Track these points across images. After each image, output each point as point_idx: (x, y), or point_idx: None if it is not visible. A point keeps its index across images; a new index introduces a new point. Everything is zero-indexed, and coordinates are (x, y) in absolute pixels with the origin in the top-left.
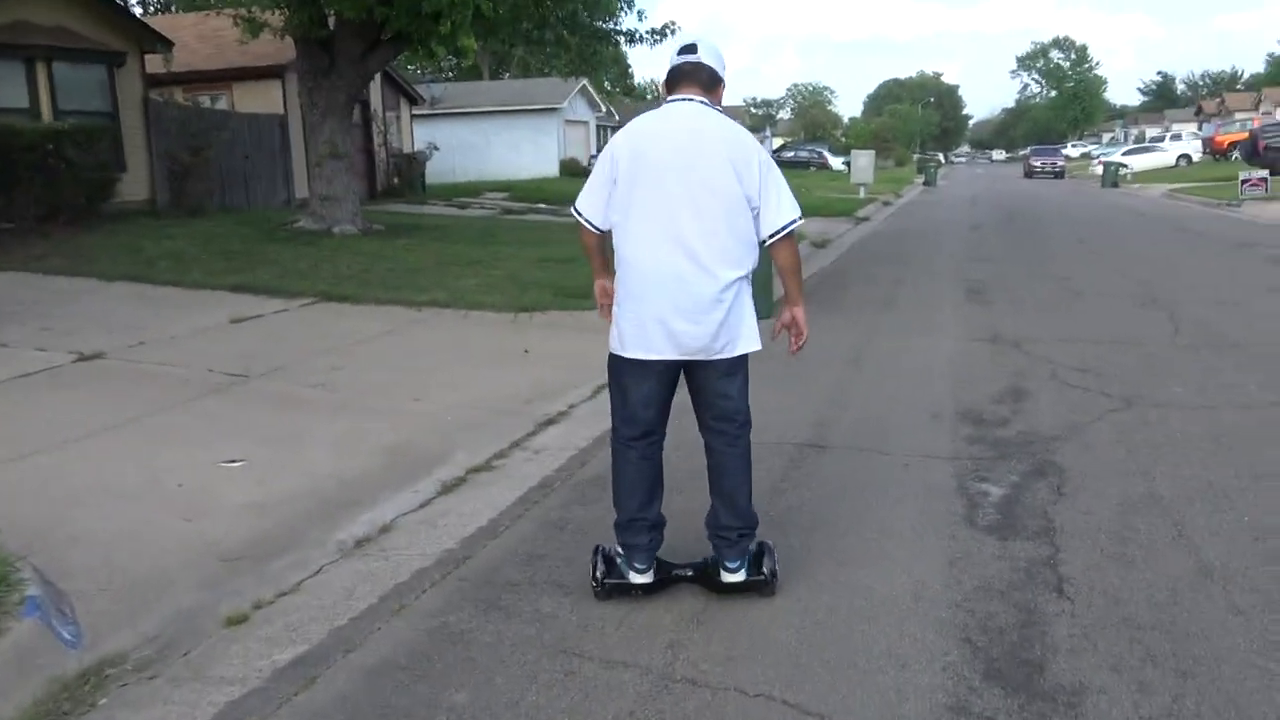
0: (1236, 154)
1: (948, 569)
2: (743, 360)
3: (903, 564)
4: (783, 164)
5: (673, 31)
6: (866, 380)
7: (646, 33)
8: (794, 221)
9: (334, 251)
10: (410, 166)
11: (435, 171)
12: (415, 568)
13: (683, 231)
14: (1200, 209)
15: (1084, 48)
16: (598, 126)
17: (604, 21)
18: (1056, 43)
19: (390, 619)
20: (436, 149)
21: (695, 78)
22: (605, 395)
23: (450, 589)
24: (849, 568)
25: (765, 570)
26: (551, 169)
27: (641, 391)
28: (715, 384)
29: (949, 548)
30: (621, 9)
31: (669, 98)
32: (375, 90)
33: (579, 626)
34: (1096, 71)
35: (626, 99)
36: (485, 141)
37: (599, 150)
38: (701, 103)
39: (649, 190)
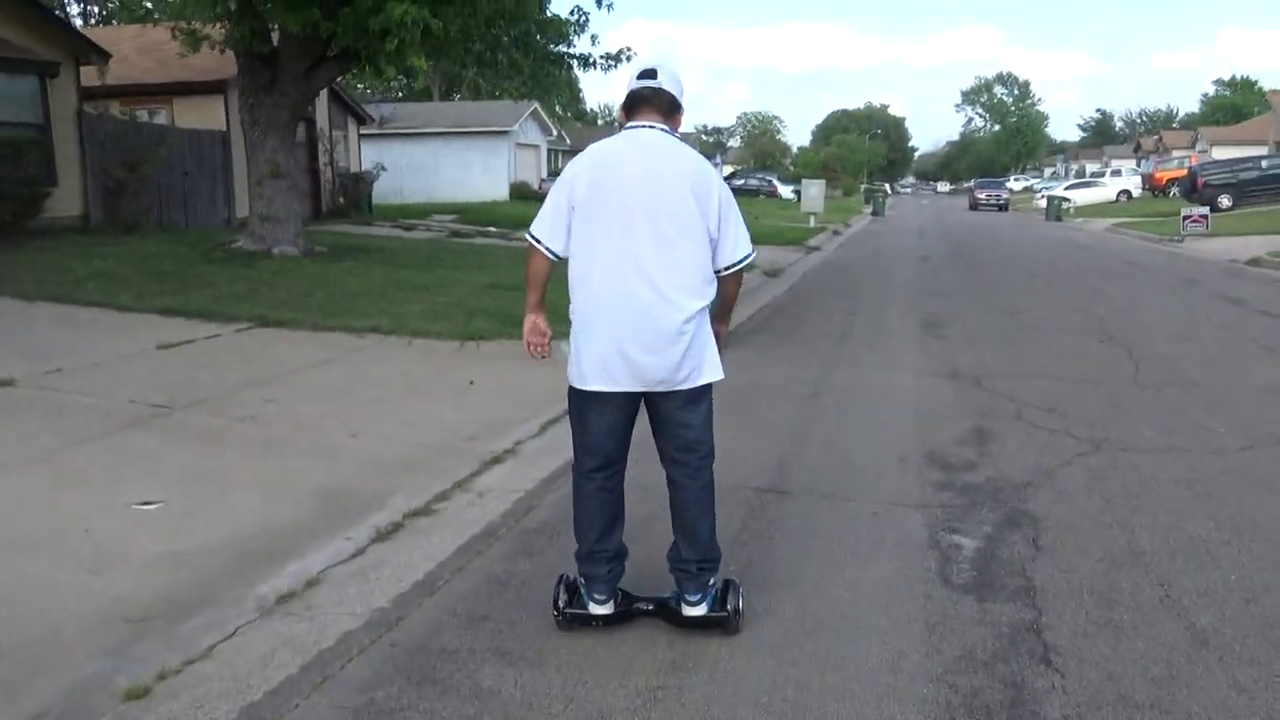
0: (1175, 190)
1: (926, 636)
2: (706, 390)
3: (878, 630)
4: (734, 191)
5: (628, 57)
6: (826, 418)
7: (600, 57)
8: (747, 257)
9: (273, 274)
10: (357, 187)
11: (383, 192)
12: (342, 630)
13: (645, 262)
14: (1144, 244)
15: (1026, 84)
16: (549, 150)
17: (557, 44)
18: (1000, 78)
19: (311, 694)
20: (384, 169)
21: (655, 104)
22: (553, 432)
23: (380, 657)
24: (820, 635)
25: (729, 607)
26: (502, 192)
27: (603, 424)
28: (677, 414)
29: (925, 610)
30: (574, 33)
31: (628, 124)
32: (322, 108)
33: (523, 705)
34: (1038, 107)
35: (578, 123)
36: (434, 163)
37: (550, 174)
38: (663, 130)
39: (610, 219)
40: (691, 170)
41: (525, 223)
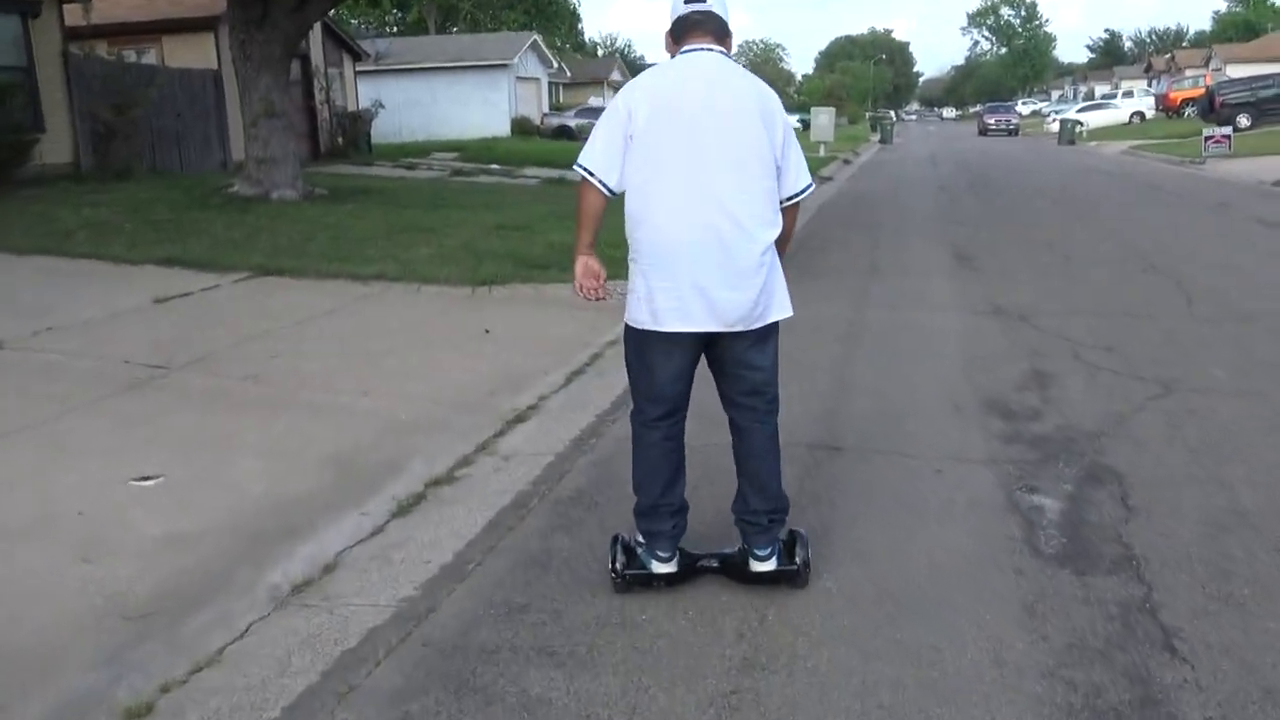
0: (1190, 111)
1: (1026, 619)
2: (774, 328)
3: (969, 612)
4: None
5: None
6: (869, 362)
7: None
8: (809, 188)
9: (272, 219)
10: (355, 126)
11: (381, 131)
12: (367, 625)
13: (720, 192)
14: (1165, 167)
15: (1033, 4)
16: (550, 83)
17: None
18: None
19: (335, 709)
20: (382, 107)
21: (706, 27)
22: (578, 385)
23: (412, 659)
24: (905, 620)
25: (798, 559)
26: (503, 128)
27: (671, 368)
28: (745, 355)
29: (1019, 587)
30: None
31: (681, 49)
32: (316, 44)
33: (581, 717)
34: (1046, 28)
35: (579, 55)
36: (433, 99)
37: (552, 108)
38: (721, 53)
39: (679, 147)
40: (758, 94)
41: (529, 159)
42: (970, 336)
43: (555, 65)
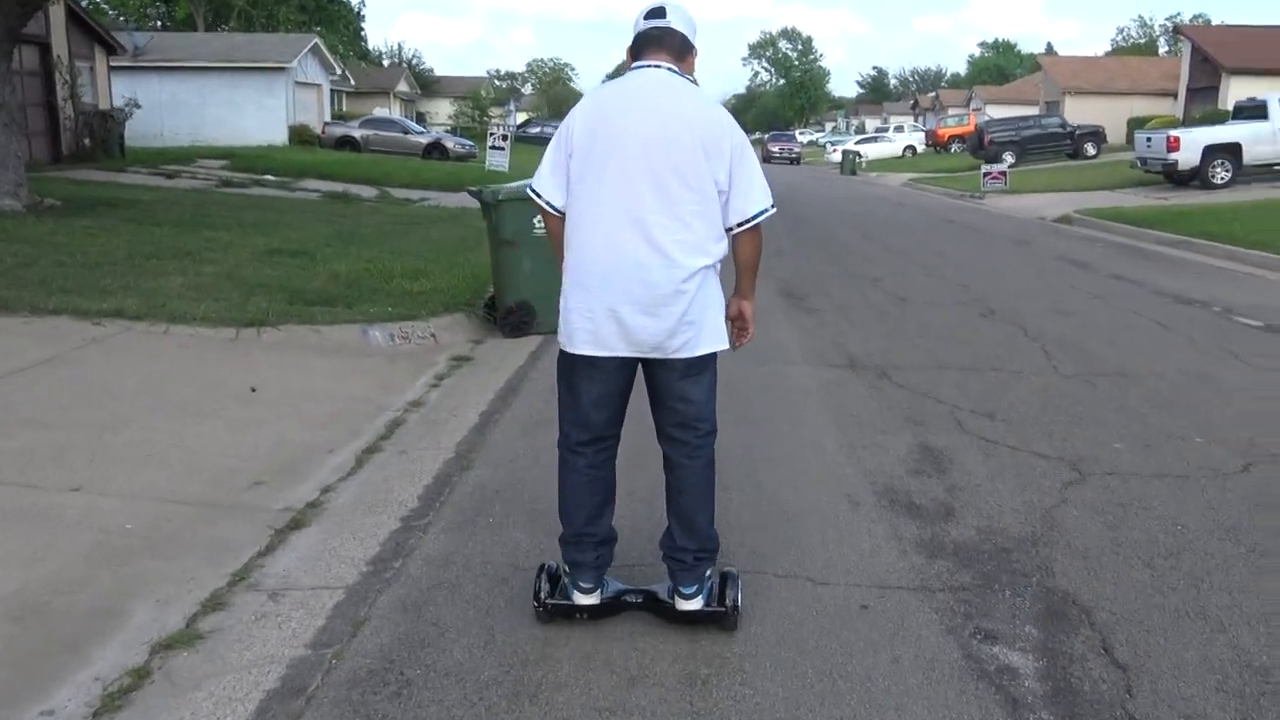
0: (956, 147)
1: None
2: (707, 360)
3: None
4: (528, 139)
5: None
6: (733, 434)
7: None
8: (764, 211)
9: None
10: (105, 126)
11: (142, 134)
12: None
13: (642, 214)
14: (949, 200)
15: (809, 39)
16: (333, 91)
17: None
18: (785, 33)
19: None
20: (138, 106)
21: (665, 44)
22: (375, 467)
23: None
24: None
25: (728, 601)
26: (280, 135)
27: (592, 393)
28: (676, 385)
29: None
30: None
31: (634, 65)
32: (59, 33)
33: None
34: (821, 63)
35: (364, 64)
36: (202, 101)
37: (334, 117)
38: (670, 70)
39: (607, 167)
40: (699, 115)
41: (309, 171)
42: (834, 398)
43: (339, 72)
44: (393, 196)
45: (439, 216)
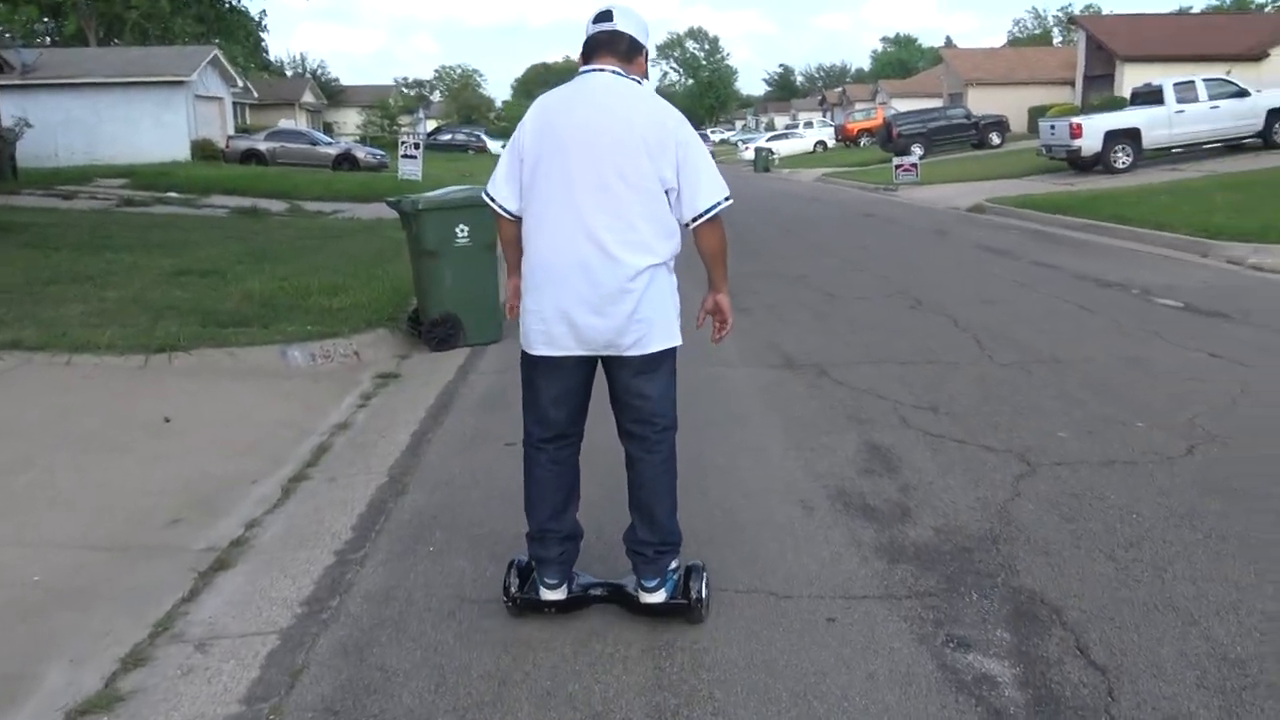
0: (865, 140)
1: None
2: (662, 356)
3: None
4: (439, 147)
5: None
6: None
7: None
8: (719, 204)
9: None
10: None
11: (34, 154)
12: None
13: (587, 215)
14: (863, 193)
15: (716, 39)
16: (235, 104)
17: None
18: (692, 33)
19: None
20: (30, 126)
21: (613, 48)
22: (303, 496)
23: None
24: None
25: (693, 594)
26: (181, 151)
27: (551, 391)
28: (632, 382)
29: None
30: None
31: (582, 69)
32: None
33: None
34: (728, 62)
35: (266, 75)
36: (97, 119)
37: (238, 130)
38: (615, 73)
39: (553, 171)
40: (643, 115)
41: (215, 186)
42: (776, 398)
43: (241, 84)
44: (304, 210)
45: (354, 229)
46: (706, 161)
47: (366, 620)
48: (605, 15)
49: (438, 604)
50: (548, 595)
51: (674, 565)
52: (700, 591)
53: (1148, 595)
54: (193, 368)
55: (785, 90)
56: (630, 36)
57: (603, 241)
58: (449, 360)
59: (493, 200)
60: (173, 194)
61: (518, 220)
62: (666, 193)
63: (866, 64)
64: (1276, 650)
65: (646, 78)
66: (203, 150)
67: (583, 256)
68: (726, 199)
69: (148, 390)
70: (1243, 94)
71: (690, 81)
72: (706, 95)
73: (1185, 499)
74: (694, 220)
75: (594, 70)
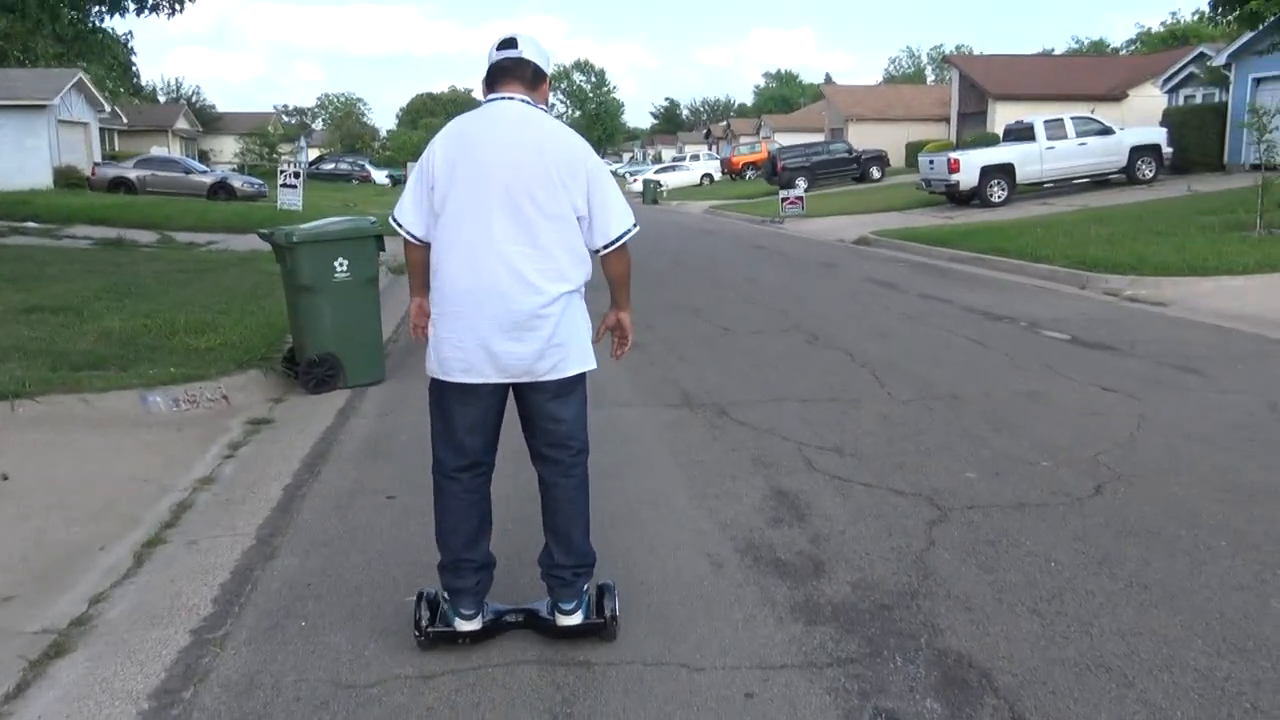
0: (750, 173)
1: None
2: (576, 381)
3: None
4: (322, 176)
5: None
6: None
7: None
8: (627, 232)
9: None
10: None
11: None
12: None
13: (501, 243)
14: (751, 226)
15: (602, 71)
16: (103, 130)
17: None
18: (579, 65)
19: None
20: None
21: (517, 75)
22: (157, 568)
23: None
24: None
25: (606, 613)
26: (44, 178)
27: (467, 419)
28: (547, 407)
29: None
30: None
31: (488, 97)
32: None
33: None
34: (615, 95)
35: (137, 100)
36: None
37: (106, 157)
38: (524, 102)
39: (466, 200)
40: (555, 143)
41: (78, 216)
42: (676, 442)
43: (109, 109)
44: (176, 241)
45: (228, 261)
46: (615, 191)
47: (224, 716)
48: (510, 43)
49: (309, 691)
50: (463, 626)
51: (585, 586)
52: (614, 609)
53: (1077, 654)
54: (39, 416)
55: (671, 123)
56: (535, 64)
57: (519, 269)
58: (327, 403)
59: (400, 226)
60: (30, 224)
61: (426, 246)
62: (578, 220)
63: (750, 99)
64: (1213, 714)
65: (549, 105)
66: (67, 178)
67: (498, 284)
68: (635, 226)
69: None
70: (1107, 131)
71: (578, 113)
72: (594, 127)
73: (1100, 543)
74: (605, 247)
75: (503, 98)
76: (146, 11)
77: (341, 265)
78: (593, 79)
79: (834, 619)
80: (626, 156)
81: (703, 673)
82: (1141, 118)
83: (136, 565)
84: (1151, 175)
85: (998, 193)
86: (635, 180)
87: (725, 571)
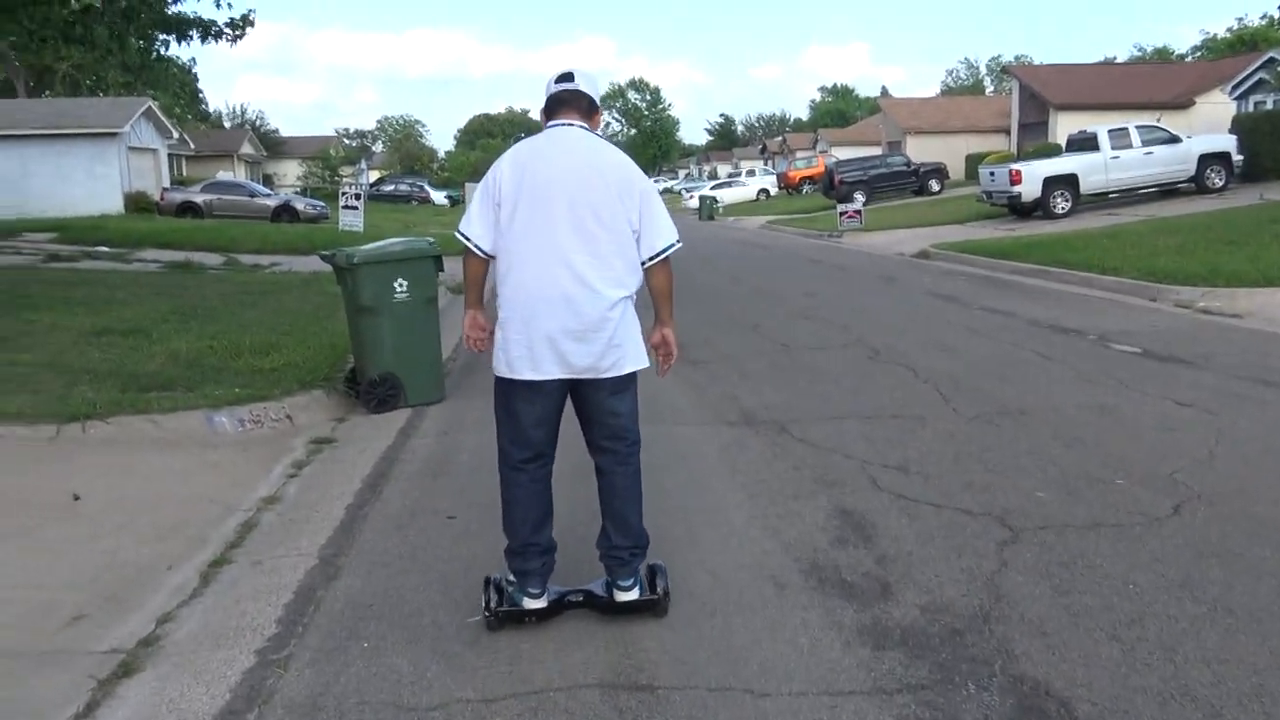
0: (807, 188)
1: None
2: (632, 378)
3: None
4: (382, 197)
5: (251, 24)
6: None
7: (225, 24)
8: (671, 246)
9: None
10: None
11: None
12: None
13: (568, 252)
14: (808, 240)
15: (657, 89)
16: (171, 156)
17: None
18: (634, 84)
19: None
20: None
21: (574, 105)
22: (222, 588)
23: None
24: None
25: (659, 589)
26: (114, 204)
27: (533, 413)
28: (605, 402)
29: None
30: None
31: (549, 124)
32: None
33: None
34: (670, 112)
35: (203, 126)
36: (24, 172)
37: (174, 182)
38: (583, 128)
39: (535, 214)
40: (613, 164)
41: (148, 240)
42: (736, 461)
43: (176, 136)
44: (240, 263)
45: (291, 283)
46: (662, 209)
47: None
48: (568, 76)
49: (371, 714)
50: (530, 605)
51: (640, 566)
52: (666, 586)
53: (1160, 682)
54: (109, 437)
55: (727, 139)
56: (590, 96)
57: (584, 276)
58: (388, 423)
59: (468, 240)
60: (103, 248)
61: (488, 260)
62: (632, 233)
63: (805, 113)
64: None
65: (600, 134)
66: (137, 203)
67: (566, 289)
68: (678, 242)
69: (55, 464)
70: (1174, 140)
71: (634, 131)
72: (649, 145)
73: (1181, 565)
74: (650, 260)
75: (563, 125)
76: (210, 39)
77: (401, 286)
78: (648, 97)
79: (903, 643)
80: (682, 173)
81: (768, 699)
82: (1210, 125)
83: (203, 585)
84: (1221, 184)
85: (1061, 204)
86: (691, 197)
87: (789, 593)
